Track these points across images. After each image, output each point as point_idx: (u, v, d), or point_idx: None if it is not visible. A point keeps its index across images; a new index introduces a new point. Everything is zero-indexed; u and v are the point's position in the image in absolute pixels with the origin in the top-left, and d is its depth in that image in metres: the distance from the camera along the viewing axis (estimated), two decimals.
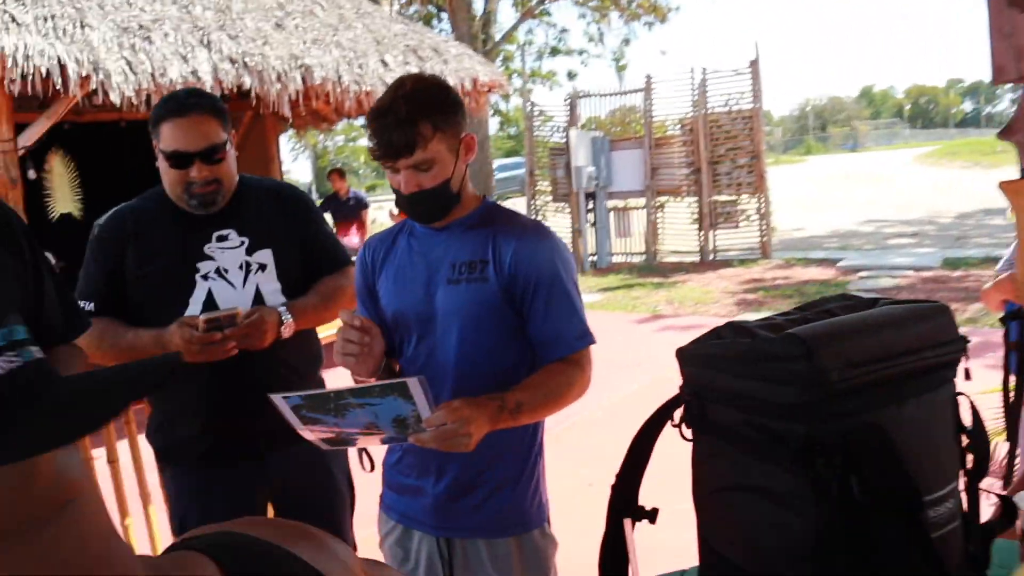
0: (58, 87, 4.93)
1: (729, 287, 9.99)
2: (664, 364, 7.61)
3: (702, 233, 12.01)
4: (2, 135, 4.94)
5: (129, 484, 2.87)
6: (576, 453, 4.50)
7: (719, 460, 1.00)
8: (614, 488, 1.17)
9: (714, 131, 11.82)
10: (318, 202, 10.58)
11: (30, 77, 4.78)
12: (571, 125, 12.54)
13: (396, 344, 1.78)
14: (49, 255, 5.51)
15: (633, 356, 6.81)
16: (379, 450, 1.74)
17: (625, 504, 1.17)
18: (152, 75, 5.33)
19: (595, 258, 12.42)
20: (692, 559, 1.51)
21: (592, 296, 10.06)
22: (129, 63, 5.25)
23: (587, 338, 1.69)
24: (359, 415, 1.45)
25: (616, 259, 12.61)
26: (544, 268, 1.66)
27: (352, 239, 9.68)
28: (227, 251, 2.06)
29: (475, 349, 1.67)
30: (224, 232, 2.07)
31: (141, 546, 2.88)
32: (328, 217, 9.92)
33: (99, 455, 2.81)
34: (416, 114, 1.57)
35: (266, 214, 2.14)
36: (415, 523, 1.77)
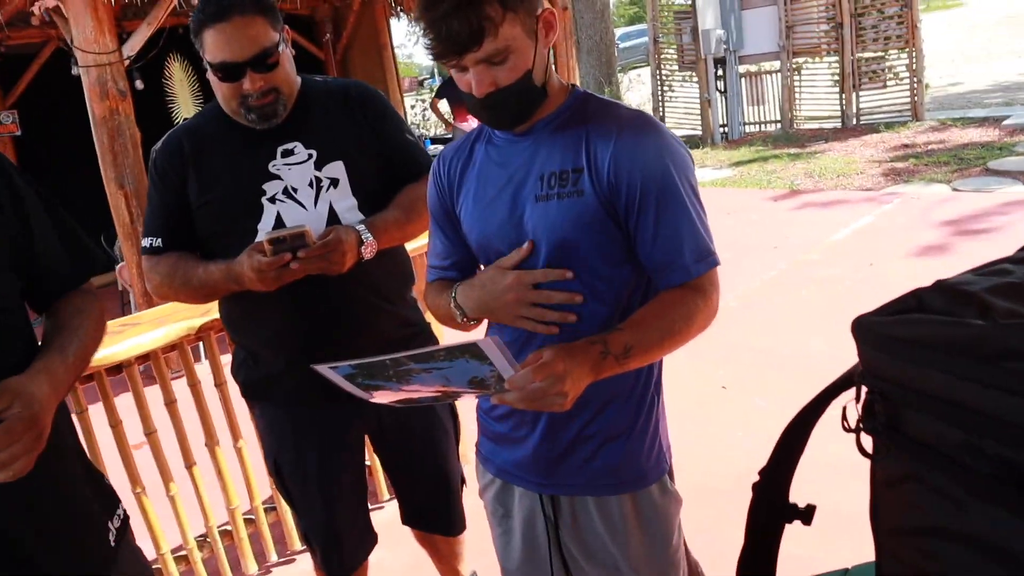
0: None
1: (875, 155, 9.12)
2: (804, 246, 7.16)
3: (844, 96, 10.98)
4: (106, 46, 4.84)
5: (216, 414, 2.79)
6: (708, 351, 4.16)
7: (919, 490, 0.67)
8: (758, 487, 0.86)
9: None
10: (434, 88, 10.31)
11: None
12: None
13: None
14: None
15: (769, 238, 6.31)
16: None
17: (773, 504, 0.86)
18: None
19: (726, 129, 11.64)
20: (840, 559, 1.22)
21: (723, 172, 9.45)
22: None
23: (710, 259, 1.35)
24: (427, 379, 1.19)
25: (749, 129, 11.78)
26: (651, 172, 1.32)
27: (472, 123, 9.41)
28: (294, 167, 1.82)
29: (576, 278, 1.36)
30: (289, 146, 1.83)
31: (237, 482, 2.82)
32: (445, 104, 9.67)
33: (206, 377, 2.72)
34: None
35: (334, 121, 1.88)
36: (514, 478, 1.53)
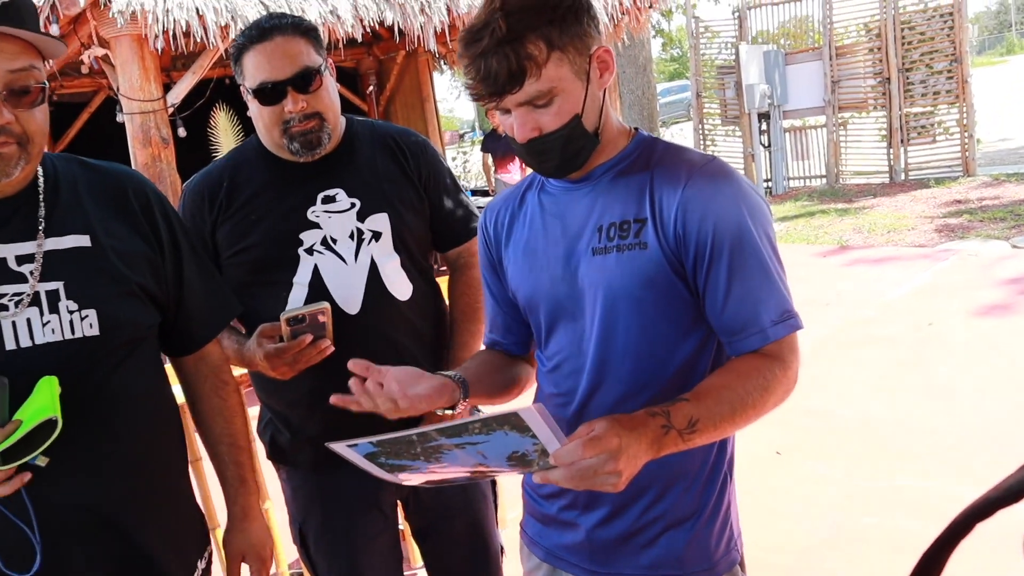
0: (199, 39, 4.80)
1: (926, 211, 8.87)
2: (858, 303, 6.91)
3: (892, 151, 10.78)
4: (150, 94, 4.87)
5: None
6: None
7: None
8: None
9: (906, 33, 10.49)
10: (479, 140, 10.38)
11: (171, 30, 4.65)
12: (740, 40, 11.52)
13: (534, 335, 1.37)
14: None
15: (819, 294, 6.09)
16: None
17: None
18: None
19: (770, 184, 11.48)
20: None
21: None
22: (267, 7, 5.04)
23: (791, 321, 1.20)
24: (459, 456, 1.05)
25: (793, 184, 11.61)
26: (724, 222, 1.17)
27: (513, 176, 9.41)
28: (335, 216, 1.71)
29: (635, 341, 1.22)
30: (331, 192, 1.72)
31: None
32: (489, 157, 9.69)
33: None
34: (521, 28, 1.12)
35: (381, 169, 1.77)
36: (564, 563, 1.37)
